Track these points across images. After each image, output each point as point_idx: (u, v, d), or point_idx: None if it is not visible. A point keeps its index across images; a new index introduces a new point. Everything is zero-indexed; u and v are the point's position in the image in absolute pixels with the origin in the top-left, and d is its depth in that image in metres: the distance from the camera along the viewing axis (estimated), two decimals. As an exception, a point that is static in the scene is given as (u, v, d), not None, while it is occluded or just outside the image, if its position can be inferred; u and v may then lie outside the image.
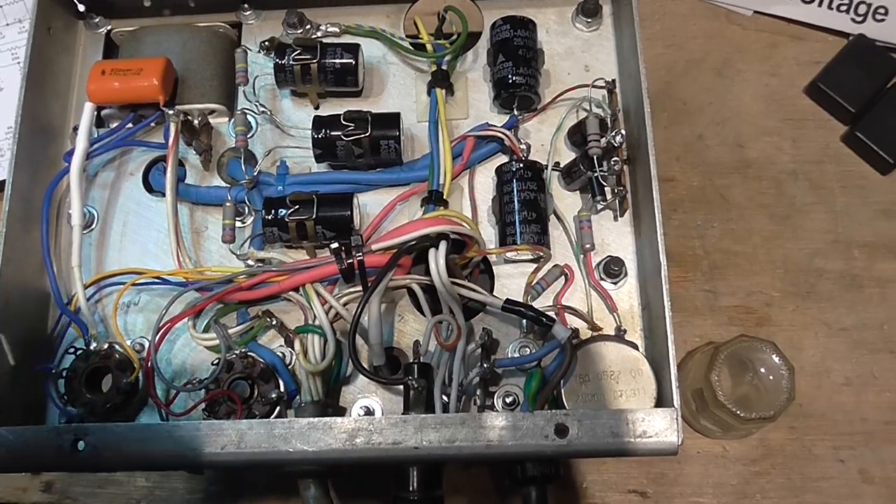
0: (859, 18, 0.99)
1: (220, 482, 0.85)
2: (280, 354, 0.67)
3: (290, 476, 0.64)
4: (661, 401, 0.63)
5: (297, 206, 0.67)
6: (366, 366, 0.64)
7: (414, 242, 0.64)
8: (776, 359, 0.79)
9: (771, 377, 0.79)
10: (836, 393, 0.87)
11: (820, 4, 1.00)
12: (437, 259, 0.63)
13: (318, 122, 0.70)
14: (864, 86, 0.95)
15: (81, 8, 0.78)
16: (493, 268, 0.70)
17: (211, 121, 0.74)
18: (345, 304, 0.66)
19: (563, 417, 0.59)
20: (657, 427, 0.59)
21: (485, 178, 0.73)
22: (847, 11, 0.99)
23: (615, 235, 0.71)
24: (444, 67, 0.74)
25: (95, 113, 0.71)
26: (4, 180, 0.88)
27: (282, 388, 0.65)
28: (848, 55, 0.97)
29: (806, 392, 0.86)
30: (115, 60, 0.76)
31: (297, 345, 0.65)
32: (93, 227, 0.73)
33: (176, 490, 0.85)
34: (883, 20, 0.98)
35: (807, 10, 1.00)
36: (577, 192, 0.72)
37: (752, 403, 0.78)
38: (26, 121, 0.71)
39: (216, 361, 0.65)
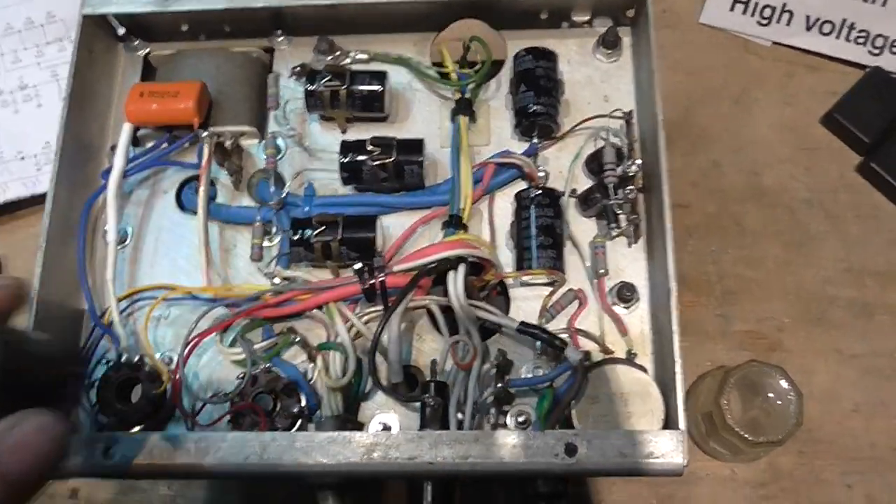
0: (876, 51, 1.01)
1: (240, 492, 0.88)
2: (302, 370, 0.69)
3: (309, 488, 0.67)
4: (669, 423, 0.65)
5: (323, 228, 0.69)
6: (385, 383, 0.67)
7: (434, 265, 0.66)
8: (785, 384, 0.80)
9: (780, 402, 0.81)
10: (845, 419, 0.88)
11: (838, 36, 1.02)
12: (456, 281, 0.65)
13: (346, 147, 0.73)
14: (879, 117, 0.97)
15: (121, 31, 0.81)
16: (510, 290, 0.72)
17: (242, 143, 0.77)
18: (366, 323, 0.69)
19: (573, 437, 0.61)
20: (664, 448, 0.61)
21: (504, 204, 0.75)
22: (864, 44, 1.01)
23: (629, 261, 0.73)
24: (467, 96, 0.76)
25: (133, 133, 0.74)
26: (41, 193, 0.93)
27: (303, 403, 0.67)
28: (864, 87, 0.99)
29: (815, 417, 0.87)
30: (153, 83, 0.80)
31: (319, 361, 0.68)
32: (126, 242, 0.75)
33: (197, 499, 0.87)
34: (899, 53, 1.00)
35: (824, 42, 1.02)
36: (593, 218, 0.74)
37: (761, 428, 0.80)
38: (67, 139, 0.74)
39: (241, 375, 0.68)
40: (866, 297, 0.93)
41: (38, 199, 0.95)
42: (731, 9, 1.04)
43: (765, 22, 1.03)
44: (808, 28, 1.02)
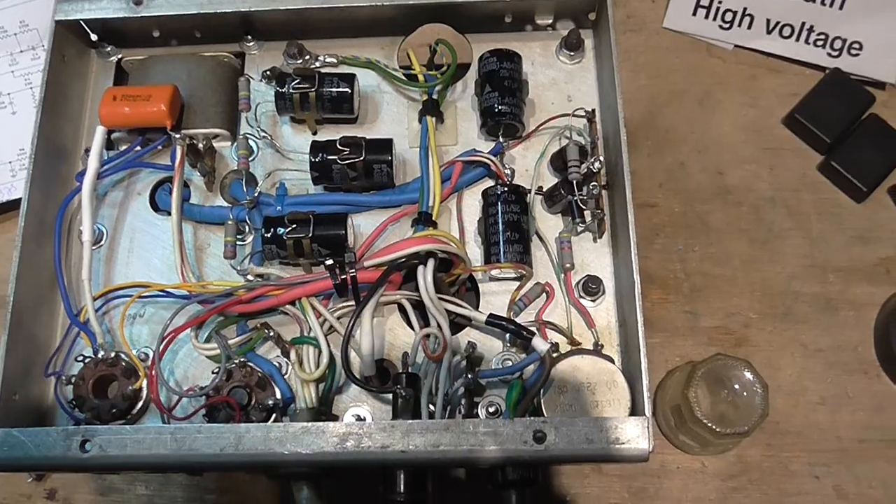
0: (835, 53, 1.03)
1: (217, 491, 0.88)
2: (277, 364, 0.70)
3: (284, 478, 0.68)
4: (635, 411, 0.66)
5: (294, 226, 0.71)
6: (357, 376, 0.68)
7: (404, 260, 0.68)
8: (750, 376, 0.82)
9: (745, 394, 0.82)
10: (811, 411, 0.90)
11: (798, 39, 1.04)
12: (426, 275, 0.67)
13: (316, 147, 0.74)
14: (839, 117, 1.00)
15: (94, 37, 0.82)
16: (479, 285, 0.74)
17: (214, 145, 0.78)
18: (338, 318, 0.71)
19: (542, 424, 0.62)
20: (630, 434, 0.62)
21: (472, 201, 0.77)
22: (823, 46, 1.04)
23: (594, 256, 0.75)
24: (434, 97, 0.78)
25: (106, 136, 0.75)
26: (17, 199, 0.94)
27: (278, 396, 0.69)
28: (824, 88, 1.02)
29: (782, 410, 0.89)
30: (126, 87, 0.81)
31: (292, 355, 0.69)
32: (102, 243, 0.77)
33: (175, 498, 0.88)
34: (857, 55, 1.03)
35: (785, 45, 1.05)
36: (559, 214, 0.76)
37: (728, 420, 0.81)
38: (41, 143, 0.75)
39: (216, 370, 0.69)
40: (830, 292, 0.95)
41: (13, 205, 0.96)
42: (694, 13, 1.06)
43: (726, 26, 1.06)
44: (769, 31, 1.05)
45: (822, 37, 1.04)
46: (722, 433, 0.80)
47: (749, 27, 1.05)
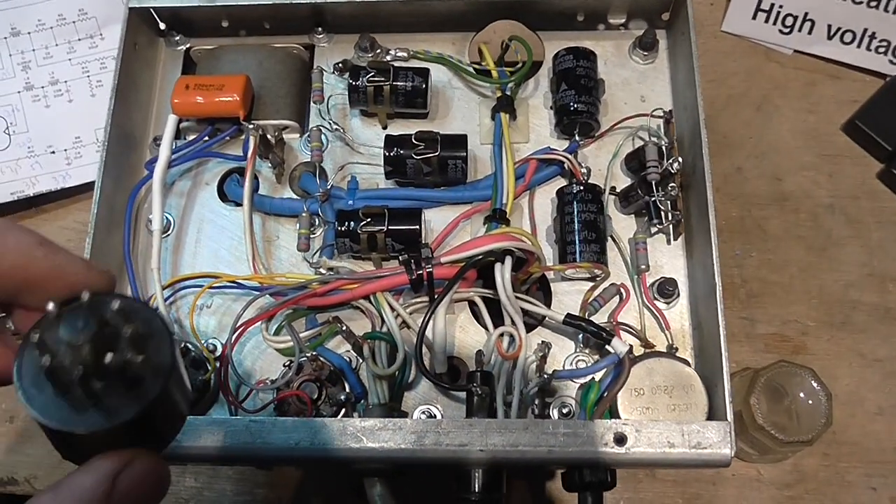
0: (896, 61, 1.02)
1: (267, 486, 0.88)
2: (347, 359, 0.70)
3: (356, 474, 0.67)
4: (713, 415, 0.65)
5: (369, 219, 0.70)
6: (430, 372, 0.67)
7: (480, 257, 0.67)
8: (814, 384, 0.81)
9: (809, 402, 0.81)
10: (869, 422, 0.89)
11: (859, 45, 1.03)
12: (503, 273, 0.66)
13: (390, 141, 0.74)
14: (900, 125, 0.98)
15: (162, 26, 0.82)
16: (551, 285, 0.73)
17: (284, 136, 0.78)
18: (410, 314, 0.70)
19: (622, 426, 0.61)
20: (711, 439, 0.62)
21: (543, 200, 0.76)
22: (885, 53, 1.02)
23: (668, 258, 0.74)
24: (507, 93, 0.77)
25: (177, 125, 0.75)
26: (70, 187, 0.93)
27: (348, 391, 0.68)
28: (885, 95, 1.00)
29: (840, 420, 0.87)
30: (198, 76, 0.80)
31: (365, 350, 0.68)
32: (169, 232, 0.76)
33: (224, 491, 0.87)
34: (920, 63, 1.02)
35: (845, 51, 1.03)
36: (632, 215, 0.75)
37: (788, 429, 0.80)
38: (114, 130, 0.75)
39: (286, 363, 0.68)
40: (889, 302, 0.93)
41: (65, 193, 0.95)
42: (754, 17, 1.05)
43: (787, 31, 1.04)
44: (830, 37, 1.03)
45: (884, 44, 1.02)
46: (785, 441, 0.79)
47: (809, 32, 1.04)
